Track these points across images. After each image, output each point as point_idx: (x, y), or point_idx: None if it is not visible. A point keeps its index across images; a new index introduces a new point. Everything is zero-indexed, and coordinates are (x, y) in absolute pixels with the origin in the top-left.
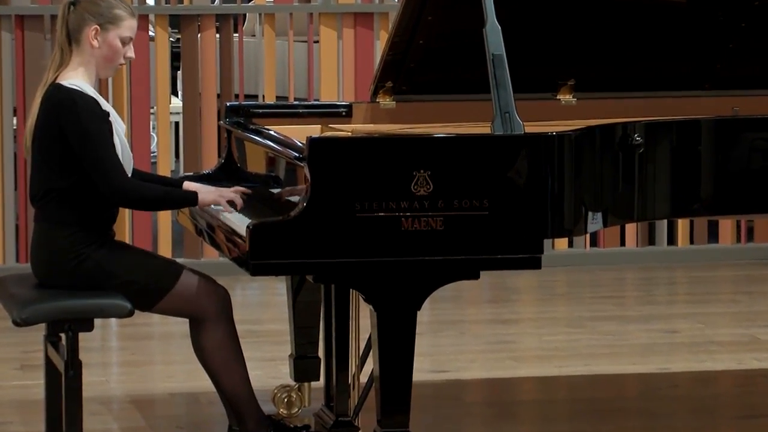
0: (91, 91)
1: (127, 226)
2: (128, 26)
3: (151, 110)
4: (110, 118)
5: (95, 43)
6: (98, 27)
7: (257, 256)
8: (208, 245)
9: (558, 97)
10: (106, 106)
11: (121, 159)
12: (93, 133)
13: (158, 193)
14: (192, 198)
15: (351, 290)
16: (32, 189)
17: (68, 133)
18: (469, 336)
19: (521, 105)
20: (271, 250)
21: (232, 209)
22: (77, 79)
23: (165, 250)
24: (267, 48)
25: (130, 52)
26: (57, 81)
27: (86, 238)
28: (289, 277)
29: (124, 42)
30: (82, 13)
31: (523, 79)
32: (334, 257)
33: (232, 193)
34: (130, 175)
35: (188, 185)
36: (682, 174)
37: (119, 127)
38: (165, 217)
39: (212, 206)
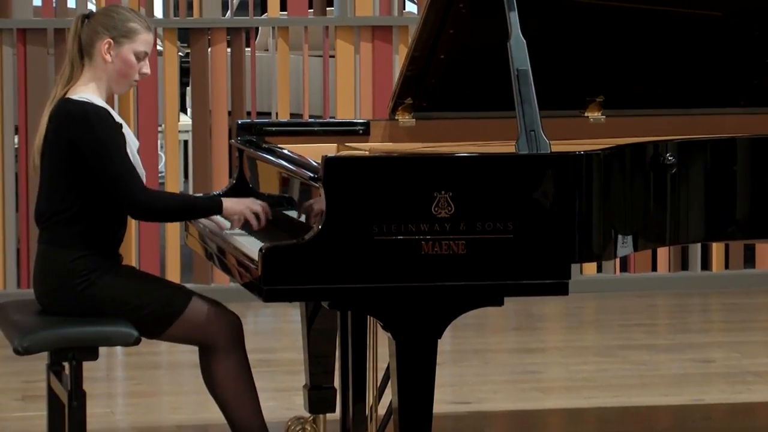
0: (102, 103)
1: (134, 250)
2: (143, 40)
3: (159, 128)
4: (123, 131)
5: (108, 57)
6: (111, 41)
7: (270, 282)
8: (218, 270)
9: (586, 114)
10: (119, 118)
11: None
12: (108, 144)
13: (182, 201)
14: (217, 205)
15: (368, 317)
16: (39, 208)
17: (81, 147)
18: (493, 366)
19: (547, 123)
20: (285, 275)
21: (255, 224)
22: (88, 93)
23: (173, 275)
24: (280, 63)
25: (146, 68)
26: (66, 96)
27: (93, 262)
28: (304, 304)
29: (139, 57)
30: (95, 26)
31: (550, 96)
32: (351, 282)
33: (259, 206)
34: None
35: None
36: (716, 195)
37: (132, 142)
38: (173, 241)
39: (225, 229)
